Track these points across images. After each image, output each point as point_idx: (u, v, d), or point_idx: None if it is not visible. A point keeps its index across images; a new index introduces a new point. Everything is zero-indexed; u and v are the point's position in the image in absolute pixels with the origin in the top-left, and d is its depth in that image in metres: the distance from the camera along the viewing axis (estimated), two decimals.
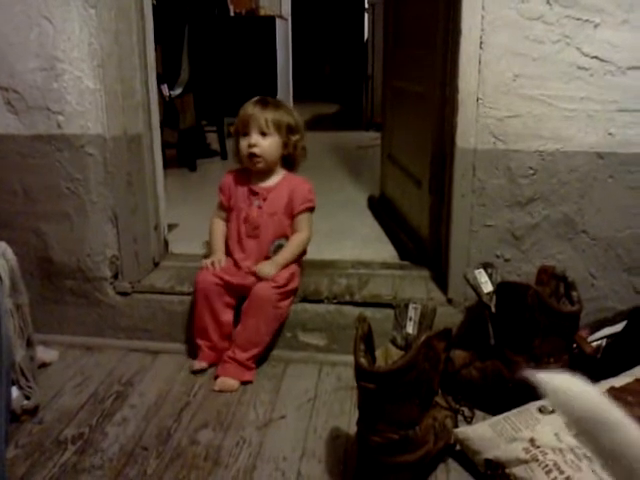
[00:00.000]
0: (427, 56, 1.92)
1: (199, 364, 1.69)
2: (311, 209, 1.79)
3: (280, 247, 1.75)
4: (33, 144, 1.74)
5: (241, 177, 1.81)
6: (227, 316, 1.71)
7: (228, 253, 1.78)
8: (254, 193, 1.76)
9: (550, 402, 0.63)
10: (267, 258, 1.74)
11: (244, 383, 1.63)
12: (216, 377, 1.64)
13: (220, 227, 1.82)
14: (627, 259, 1.63)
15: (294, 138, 1.76)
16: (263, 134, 1.72)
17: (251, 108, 1.74)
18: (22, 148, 1.75)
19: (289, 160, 1.80)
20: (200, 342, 1.72)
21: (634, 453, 0.55)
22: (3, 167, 1.77)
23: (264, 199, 1.75)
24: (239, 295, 1.71)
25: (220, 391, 1.60)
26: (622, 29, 1.48)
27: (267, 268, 1.68)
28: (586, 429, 0.58)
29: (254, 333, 1.66)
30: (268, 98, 1.79)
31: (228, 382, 1.62)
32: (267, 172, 1.78)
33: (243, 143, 1.73)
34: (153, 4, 1.88)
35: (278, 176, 1.79)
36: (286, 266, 1.72)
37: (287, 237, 1.77)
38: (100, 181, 1.75)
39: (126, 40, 1.71)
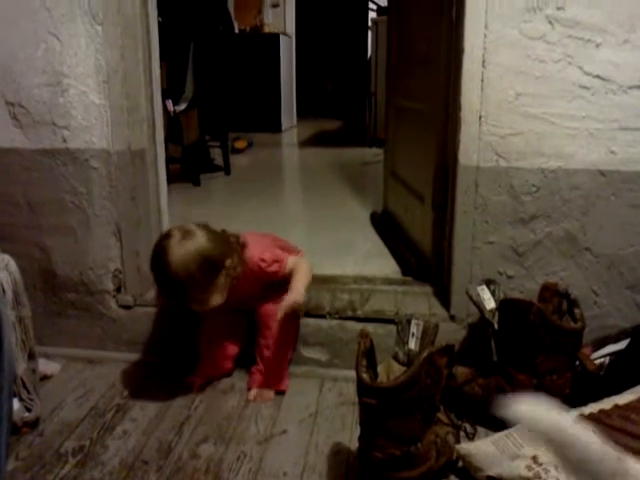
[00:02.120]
0: (430, 74, 1.94)
1: (194, 380, 1.68)
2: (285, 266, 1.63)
3: None
4: (38, 158, 1.76)
5: None
6: (231, 345, 1.72)
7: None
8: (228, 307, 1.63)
9: (525, 427, 0.79)
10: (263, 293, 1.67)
11: (278, 393, 1.64)
12: (248, 389, 1.65)
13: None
14: (630, 277, 1.63)
15: (220, 275, 1.48)
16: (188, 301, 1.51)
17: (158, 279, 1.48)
18: (27, 162, 1.77)
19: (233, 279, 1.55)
20: (202, 360, 1.71)
21: (593, 466, 0.69)
22: (8, 181, 1.79)
23: (239, 305, 1.67)
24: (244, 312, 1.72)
25: (254, 401, 1.61)
26: (623, 49, 1.50)
27: (301, 301, 1.56)
28: (554, 448, 0.72)
29: (271, 353, 1.65)
30: (166, 249, 1.43)
31: (262, 393, 1.63)
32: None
33: None
34: (159, 21, 1.90)
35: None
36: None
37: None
38: (104, 195, 1.77)
39: (132, 56, 1.73)
